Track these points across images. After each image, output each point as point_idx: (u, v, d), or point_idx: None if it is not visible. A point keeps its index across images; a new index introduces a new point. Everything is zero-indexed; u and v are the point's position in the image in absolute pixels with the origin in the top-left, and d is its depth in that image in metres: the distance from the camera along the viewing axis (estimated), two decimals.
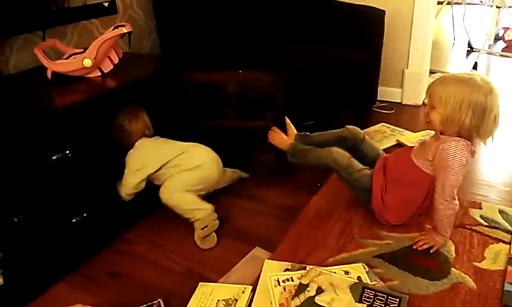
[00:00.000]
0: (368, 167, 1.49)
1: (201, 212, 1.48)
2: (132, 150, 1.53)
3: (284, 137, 1.67)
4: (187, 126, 1.76)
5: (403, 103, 2.55)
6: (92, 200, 1.40)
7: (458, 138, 1.25)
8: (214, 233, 1.48)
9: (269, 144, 1.71)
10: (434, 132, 1.35)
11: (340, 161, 1.48)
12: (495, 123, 1.21)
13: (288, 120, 1.75)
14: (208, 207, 1.50)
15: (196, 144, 1.62)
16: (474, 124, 1.20)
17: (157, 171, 1.52)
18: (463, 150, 1.25)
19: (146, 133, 1.56)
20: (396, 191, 1.41)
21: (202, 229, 1.46)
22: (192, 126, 1.77)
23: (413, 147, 1.43)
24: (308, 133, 1.70)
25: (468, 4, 4.63)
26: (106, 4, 1.78)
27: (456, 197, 1.29)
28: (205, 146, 1.62)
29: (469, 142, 1.26)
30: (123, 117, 1.51)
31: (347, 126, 1.63)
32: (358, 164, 1.49)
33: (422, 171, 1.34)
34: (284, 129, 1.73)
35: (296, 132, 1.73)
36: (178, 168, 1.53)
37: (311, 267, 1.26)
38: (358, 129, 1.63)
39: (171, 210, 1.51)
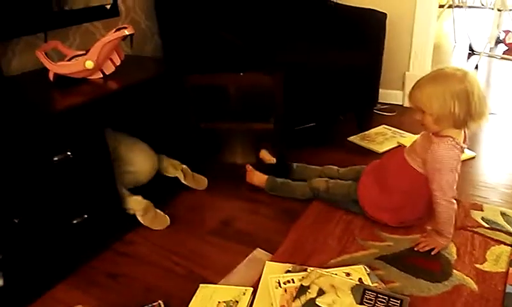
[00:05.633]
0: (351, 180, 1.57)
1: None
2: None
3: (259, 175, 1.75)
4: (189, 129, 1.76)
5: (404, 105, 2.55)
6: (93, 201, 1.40)
7: (446, 138, 1.26)
8: (159, 211, 1.53)
9: (270, 146, 1.71)
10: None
11: (317, 185, 1.60)
12: (481, 102, 1.22)
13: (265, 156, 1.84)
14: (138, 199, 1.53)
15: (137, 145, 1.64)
16: (464, 111, 1.21)
17: None
18: (452, 149, 1.26)
19: None
20: (392, 192, 1.42)
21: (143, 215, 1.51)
22: (194, 128, 1.77)
23: (405, 147, 1.46)
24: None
25: (470, 7, 4.64)
26: (108, 7, 1.78)
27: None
28: (142, 147, 1.65)
29: (458, 140, 1.27)
30: None
31: (324, 166, 1.73)
32: (337, 183, 1.59)
33: (416, 171, 1.36)
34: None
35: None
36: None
37: (312, 268, 1.26)
38: (332, 168, 1.71)
39: (172, 211, 1.51)
